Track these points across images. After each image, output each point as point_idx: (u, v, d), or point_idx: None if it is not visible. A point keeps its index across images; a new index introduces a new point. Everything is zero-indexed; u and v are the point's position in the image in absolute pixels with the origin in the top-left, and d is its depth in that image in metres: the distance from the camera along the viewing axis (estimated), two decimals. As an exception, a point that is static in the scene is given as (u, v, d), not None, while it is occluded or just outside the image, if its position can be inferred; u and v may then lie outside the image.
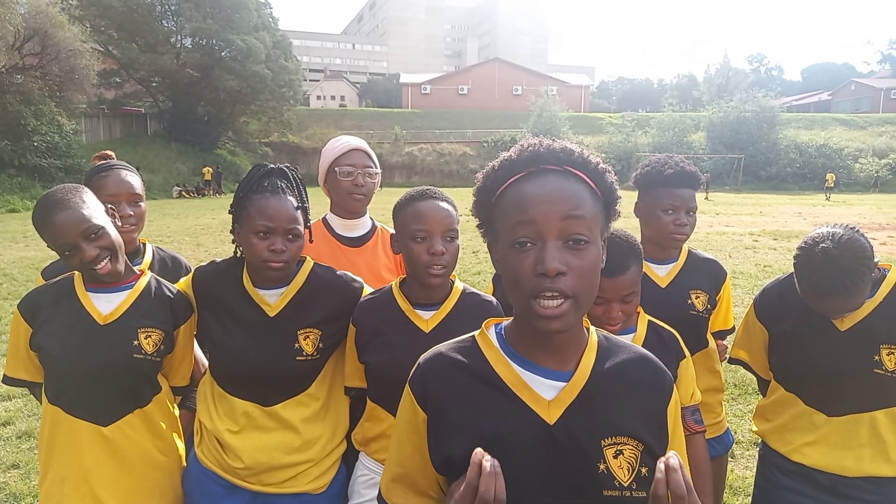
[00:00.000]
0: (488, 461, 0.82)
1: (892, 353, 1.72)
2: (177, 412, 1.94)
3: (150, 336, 1.76)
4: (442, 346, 1.11)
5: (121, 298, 1.77)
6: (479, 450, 0.84)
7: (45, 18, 23.19)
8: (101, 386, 1.70)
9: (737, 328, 2.16)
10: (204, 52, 36.71)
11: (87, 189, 1.78)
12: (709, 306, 2.14)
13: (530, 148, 1.00)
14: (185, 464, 1.90)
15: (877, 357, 1.72)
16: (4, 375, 1.81)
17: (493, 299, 1.83)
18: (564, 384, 1.01)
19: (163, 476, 1.82)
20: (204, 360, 1.90)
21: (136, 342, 1.73)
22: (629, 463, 0.98)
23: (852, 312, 1.74)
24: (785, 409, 1.92)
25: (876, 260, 1.68)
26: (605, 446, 0.98)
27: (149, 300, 1.80)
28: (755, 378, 2.12)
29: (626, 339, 1.15)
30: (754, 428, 2.07)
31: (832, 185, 30.92)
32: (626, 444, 0.99)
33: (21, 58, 23.23)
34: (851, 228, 1.67)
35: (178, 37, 37.52)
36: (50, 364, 1.70)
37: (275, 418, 1.76)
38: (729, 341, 2.32)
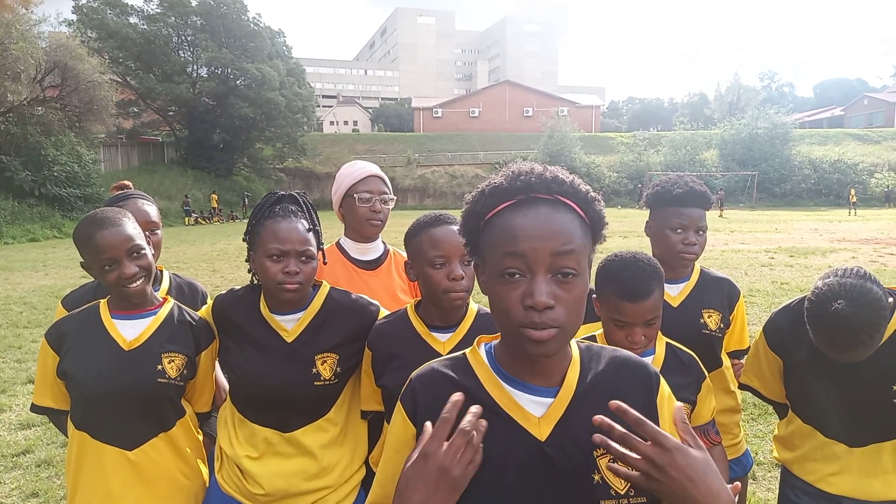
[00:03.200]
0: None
1: None
2: (200, 436, 1.96)
3: (173, 361, 1.79)
4: (434, 362, 1.13)
5: (145, 324, 1.82)
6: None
7: (66, 51, 23.88)
8: (126, 410, 1.74)
9: (748, 354, 2.11)
10: (219, 81, 37.52)
11: (129, 213, 1.86)
12: (722, 325, 2.12)
13: (521, 177, 0.99)
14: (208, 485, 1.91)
15: (895, 386, 1.68)
16: (32, 404, 1.86)
17: None
18: (552, 400, 1.02)
19: (186, 499, 1.84)
20: (226, 385, 1.93)
21: (160, 367, 1.77)
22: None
23: None
24: (804, 441, 1.88)
25: (890, 300, 1.63)
26: (598, 457, 0.98)
27: (172, 326, 1.84)
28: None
29: (646, 360, 1.15)
30: (775, 454, 2.03)
31: (855, 199, 30.72)
32: None
33: (42, 90, 23.87)
34: (862, 276, 1.60)
35: (194, 66, 38.41)
36: (76, 390, 1.74)
37: (294, 444, 1.77)
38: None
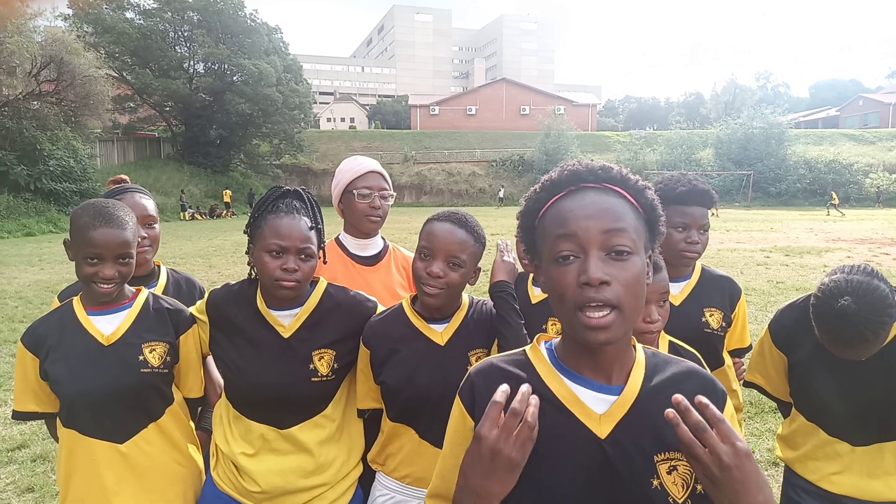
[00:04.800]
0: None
1: None
2: (192, 424, 1.95)
3: (154, 349, 1.79)
4: (493, 358, 1.13)
5: (121, 318, 1.80)
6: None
7: (61, 46, 23.69)
8: (113, 404, 1.72)
9: (752, 351, 2.11)
10: (216, 77, 37.31)
11: (133, 214, 1.83)
12: (724, 324, 2.11)
13: (570, 167, 1.02)
14: (204, 475, 1.90)
15: None
16: (14, 411, 1.82)
17: None
18: (615, 398, 1.00)
19: (185, 488, 1.83)
20: (221, 381, 1.92)
21: (141, 357, 1.76)
22: (683, 479, 0.96)
23: None
24: (807, 439, 1.88)
25: None
26: (658, 462, 0.96)
27: (148, 316, 1.83)
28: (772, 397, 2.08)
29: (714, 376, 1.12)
30: (778, 452, 2.03)
31: (837, 201, 31.46)
32: (680, 460, 0.97)
33: (38, 84, 23.72)
34: (869, 273, 1.59)
35: (191, 62, 38.18)
36: (60, 390, 1.72)
37: (290, 441, 1.75)
38: (746, 359, 2.29)
